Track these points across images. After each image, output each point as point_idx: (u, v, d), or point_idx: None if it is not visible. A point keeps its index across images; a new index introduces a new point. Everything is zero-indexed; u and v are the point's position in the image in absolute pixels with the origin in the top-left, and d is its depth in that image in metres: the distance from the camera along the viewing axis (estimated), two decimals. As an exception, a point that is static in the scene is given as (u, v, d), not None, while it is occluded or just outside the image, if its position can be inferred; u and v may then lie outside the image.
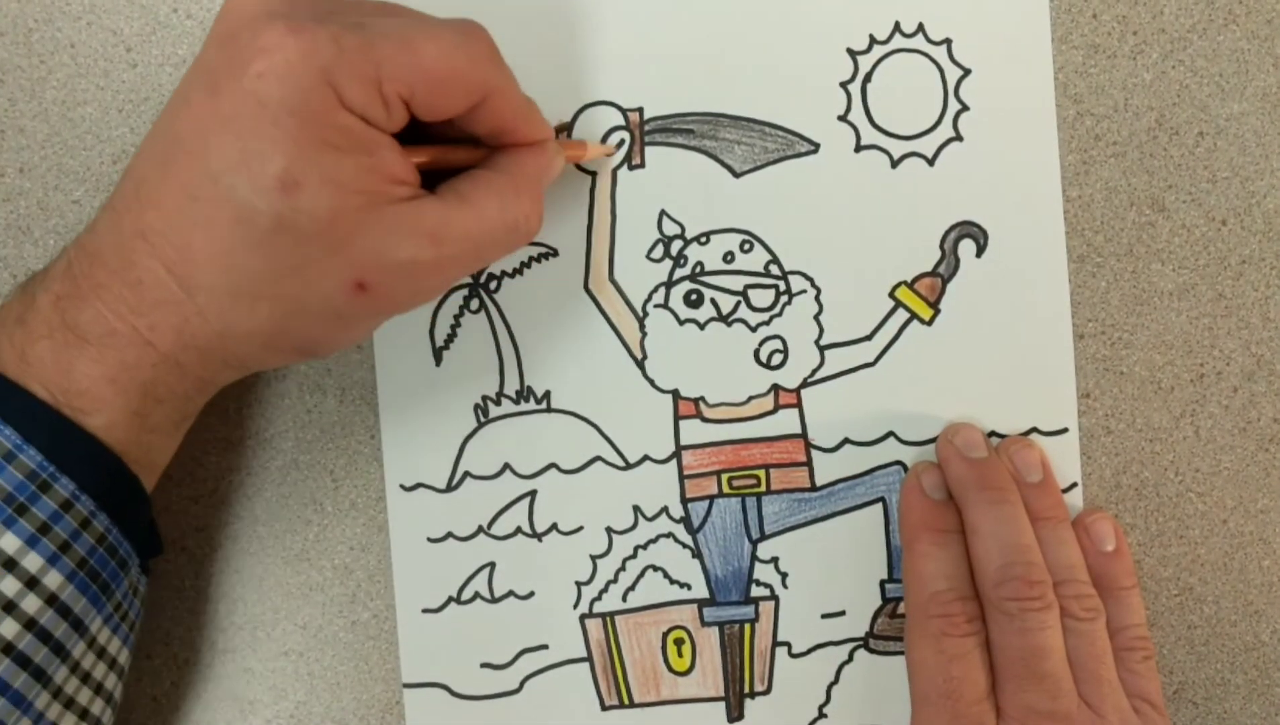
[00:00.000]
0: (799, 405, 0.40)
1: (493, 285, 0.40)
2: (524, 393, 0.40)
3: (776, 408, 0.40)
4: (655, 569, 0.41)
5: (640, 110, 0.40)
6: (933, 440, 0.40)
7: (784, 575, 0.40)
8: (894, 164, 0.40)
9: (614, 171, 0.40)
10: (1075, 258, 0.41)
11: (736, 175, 0.40)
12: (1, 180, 0.40)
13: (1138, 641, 0.38)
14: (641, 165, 0.40)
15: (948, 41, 0.40)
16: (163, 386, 0.33)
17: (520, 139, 0.35)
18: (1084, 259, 0.41)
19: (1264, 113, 0.41)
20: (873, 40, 0.40)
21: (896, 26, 0.40)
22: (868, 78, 0.40)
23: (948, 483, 0.40)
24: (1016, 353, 0.40)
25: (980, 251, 0.40)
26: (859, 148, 0.40)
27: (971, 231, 0.40)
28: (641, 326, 0.40)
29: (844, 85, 0.40)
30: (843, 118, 0.40)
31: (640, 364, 0.40)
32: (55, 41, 0.41)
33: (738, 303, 0.40)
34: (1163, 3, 0.41)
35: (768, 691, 0.41)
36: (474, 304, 0.40)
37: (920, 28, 0.40)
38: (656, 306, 0.40)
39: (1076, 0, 0.41)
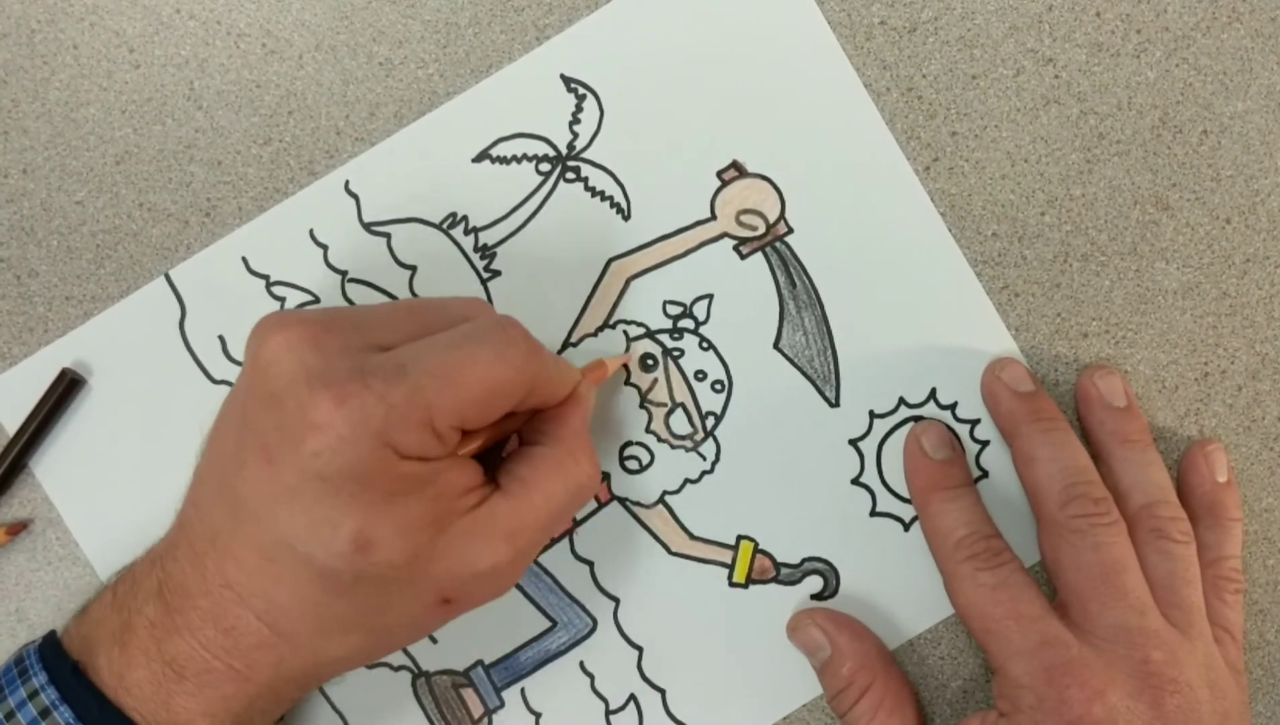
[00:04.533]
0: (601, 506, 0.40)
1: (570, 174, 0.40)
2: (486, 252, 0.40)
3: None
4: None
5: (790, 231, 0.41)
6: (633, 644, 0.40)
7: None
8: (854, 481, 0.40)
9: (724, 235, 0.40)
10: (1079, 257, 0.41)
11: (776, 345, 0.40)
12: (5, 181, 0.41)
13: (1235, 573, 0.38)
14: (742, 257, 0.40)
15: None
16: (256, 711, 0.33)
17: (559, 400, 0.36)
18: (1088, 258, 0.41)
19: (1268, 111, 0.41)
20: (934, 396, 0.41)
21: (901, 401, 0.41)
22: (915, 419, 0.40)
23: (996, 418, 0.40)
24: (752, 672, 0.40)
25: (817, 595, 0.40)
26: (852, 443, 0.40)
27: (828, 577, 0.40)
28: (599, 330, 0.40)
29: (901, 402, 0.40)
30: (875, 415, 0.40)
31: (566, 343, 0.40)
32: (58, 42, 0.41)
33: (664, 405, 0.40)
34: (1166, 1, 0.41)
35: None
36: (544, 166, 0.40)
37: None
38: (624, 332, 0.40)
39: (1080, -1, 0.41)
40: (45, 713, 0.32)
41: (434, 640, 0.40)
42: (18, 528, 0.40)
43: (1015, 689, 0.35)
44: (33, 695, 0.33)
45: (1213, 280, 0.41)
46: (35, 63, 0.41)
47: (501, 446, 0.36)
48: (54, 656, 0.33)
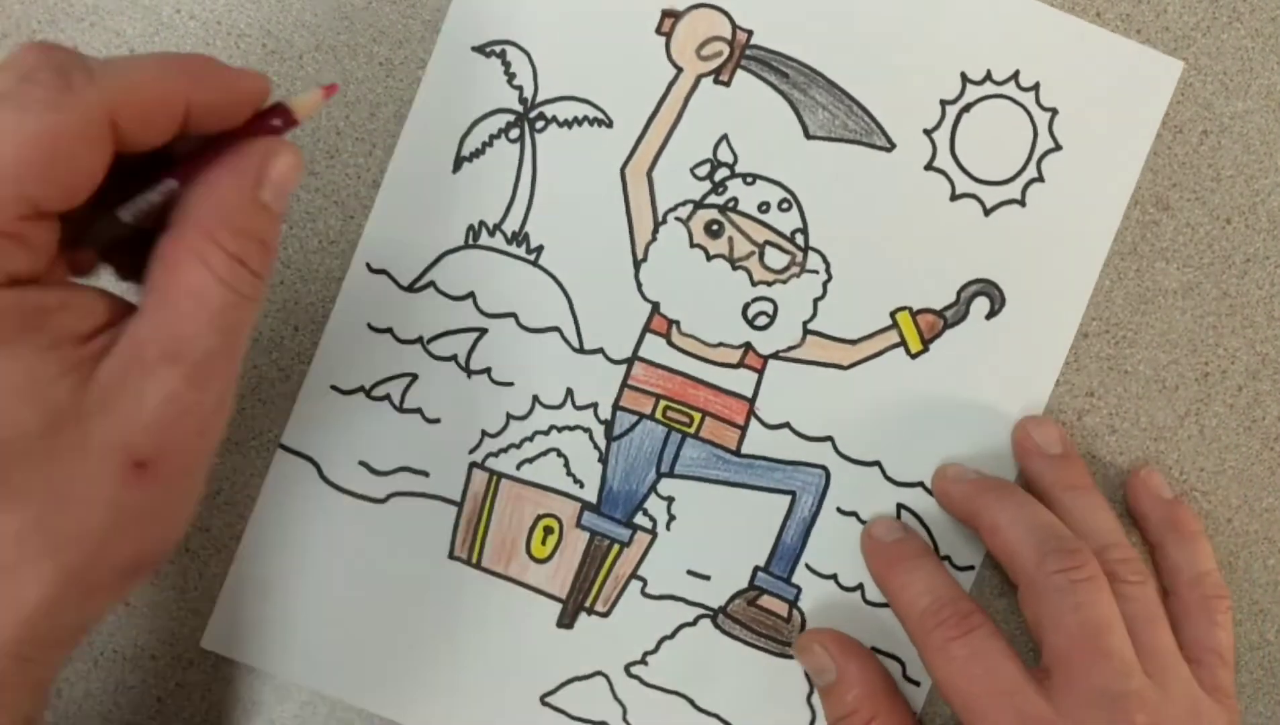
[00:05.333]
0: (760, 372, 0.40)
1: (539, 124, 0.40)
2: (519, 237, 0.40)
3: (739, 364, 0.40)
4: (559, 455, 0.40)
5: (750, 33, 0.40)
6: (868, 463, 0.40)
7: (671, 518, 0.40)
8: (953, 197, 0.40)
9: (699, 77, 0.40)
10: (1079, 256, 0.41)
11: (808, 136, 0.40)
12: (5, 181, 0.41)
13: (1220, 588, 0.38)
14: (727, 84, 0.40)
15: (1036, 87, 0.40)
16: None
17: (224, 124, 0.28)
18: (1088, 258, 0.41)
19: (1268, 111, 0.41)
20: (965, 79, 0.40)
21: (988, 74, 0.40)
22: (966, 108, 0.40)
23: (953, 511, 0.39)
24: (988, 412, 0.40)
25: (991, 315, 0.40)
26: (929, 167, 0.40)
27: (990, 292, 0.40)
28: (655, 231, 0.40)
29: (943, 103, 0.40)
30: (928, 132, 0.40)
31: (637, 264, 0.40)
32: (58, 42, 0.41)
33: (751, 253, 0.40)
34: (1166, 1, 0.41)
35: (605, 614, 0.40)
36: (514, 133, 0.40)
37: (1016, 75, 0.40)
38: (676, 219, 0.40)
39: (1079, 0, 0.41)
40: None
41: (705, 578, 0.40)
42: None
43: None
44: None
45: (1213, 280, 0.41)
46: (35, 63, 0.41)
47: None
48: None
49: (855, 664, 0.38)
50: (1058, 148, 0.40)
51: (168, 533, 0.28)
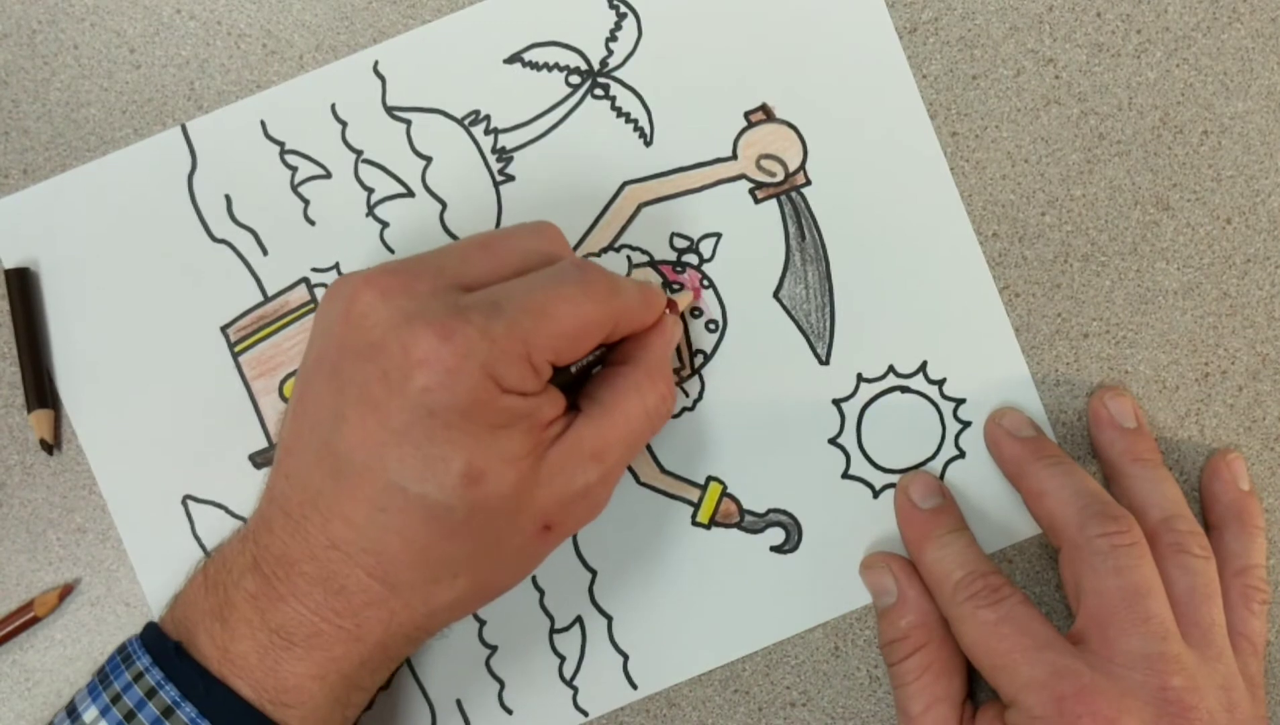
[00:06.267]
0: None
1: (607, 89, 0.41)
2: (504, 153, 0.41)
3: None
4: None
5: (806, 177, 0.41)
6: None
7: None
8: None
9: (751, 182, 0.41)
10: (1079, 257, 0.41)
11: (775, 294, 0.40)
12: (5, 181, 0.41)
13: (1262, 583, 0.38)
14: (756, 202, 0.40)
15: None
16: (366, 671, 0.34)
17: (646, 326, 0.37)
18: (1088, 258, 0.41)
19: (1268, 111, 0.41)
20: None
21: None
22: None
23: (1000, 463, 0.40)
24: None
25: (783, 546, 0.40)
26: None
27: (786, 523, 0.40)
28: (603, 250, 0.40)
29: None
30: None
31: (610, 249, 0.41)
32: (59, 43, 0.41)
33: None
34: (1166, 1, 0.41)
35: None
36: (575, 79, 0.41)
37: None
38: (626, 254, 0.40)
39: (1080, -2, 0.41)
40: (151, 693, 0.32)
41: None
42: (67, 590, 0.40)
43: (1028, 720, 0.34)
44: (137, 678, 0.33)
45: (1213, 280, 0.41)
46: (35, 63, 0.41)
47: (583, 375, 0.37)
48: (156, 640, 0.33)
49: (916, 591, 0.39)
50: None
51: (525, 574, 0.36)
